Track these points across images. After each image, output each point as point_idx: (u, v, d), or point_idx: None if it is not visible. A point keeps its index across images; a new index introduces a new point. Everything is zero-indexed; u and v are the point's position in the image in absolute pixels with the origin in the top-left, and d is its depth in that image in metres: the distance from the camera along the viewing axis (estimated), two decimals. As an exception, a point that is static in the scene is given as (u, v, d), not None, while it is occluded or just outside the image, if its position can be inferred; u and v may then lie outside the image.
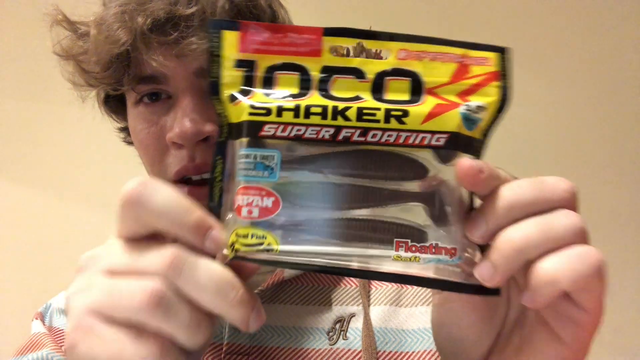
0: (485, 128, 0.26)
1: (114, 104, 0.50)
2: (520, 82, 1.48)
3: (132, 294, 0.22)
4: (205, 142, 0.41)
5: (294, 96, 0.24)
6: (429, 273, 0.24)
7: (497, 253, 0.23)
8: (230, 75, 0.25)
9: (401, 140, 0.24)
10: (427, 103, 0.25)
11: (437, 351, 0.42)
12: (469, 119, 0.25)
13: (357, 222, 0.24)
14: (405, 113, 0.24)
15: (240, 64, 0.25)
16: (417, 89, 0.25)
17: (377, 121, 0.24)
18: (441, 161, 0.24)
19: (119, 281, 0.23)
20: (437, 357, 0.42)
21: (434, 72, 0.25)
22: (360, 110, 0.24)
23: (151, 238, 0.24)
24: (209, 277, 0.23)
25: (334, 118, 0.24)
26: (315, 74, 0.25)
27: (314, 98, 0.24)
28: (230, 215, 0.24)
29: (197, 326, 0.23)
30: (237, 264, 0.24)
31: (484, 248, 0.25)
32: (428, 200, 0.24)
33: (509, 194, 0.24)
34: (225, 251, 0.24)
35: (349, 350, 0.42)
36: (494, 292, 0.24)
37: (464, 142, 0.25)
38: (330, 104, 0.24)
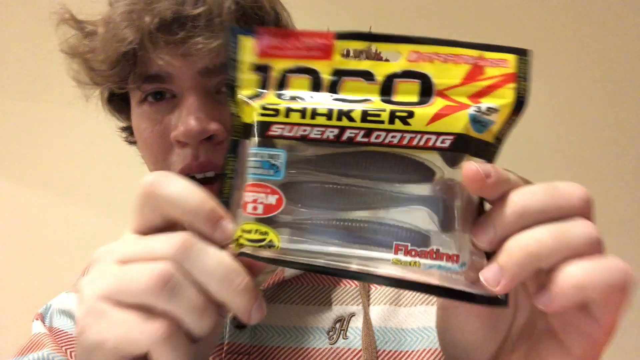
0: (498, 131, 0.24)
1: (118, 103, 0.50)
2: None
3: (141, 276, 0.23)
4: (209, 141, 0.41)
5: (303, 98, 0.25)
6: (432, 280, 0.23)
7: (507, 257, 0.22)
8: (245, 78, 0.26)
9: (405, 142, 0.23)
10: (435, 105, 0.24)
11: (436, 350, 0.42)
12: (478, 121, 0.24)
13: (357, 224, 0.24)
14: (411, 114, 0.24)
15: (256, 67, 0.26)
16: (427, 90, 0.25)
17: (382, 122, 0.24)
18: (449, 164, 0.23)
19: (129, 266, 0.24)
20: (436, 356, 0.42)
21: (445, 74, 0.25)
22: (365, 112, 0.24)
23: (163, 230, 0.25)
24: (217, 262, 0.23)
25: (339, 119, 0.24)
26: (326, 77, 0.25)
27: (322, 100, 0.25)
28: (237, 212, 0.25)
29: (203, 311, 0.23)
30: (244, 260, 0.24)
31: (490, 256, 0.23)
32: (433, 205, 0.23)
33: (520, 199, 0.23)
34: (232, 246, 0.24)
35: (349, 349, 0.43)
36: (500, 302, 0.23)
37: (473, 145, 0.23)
38: (336, 105, 0.24)
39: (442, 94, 0.24)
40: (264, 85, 0.26)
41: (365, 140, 0.24)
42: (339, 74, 0.25)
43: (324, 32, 0.26)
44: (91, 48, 0.43)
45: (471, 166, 0.23)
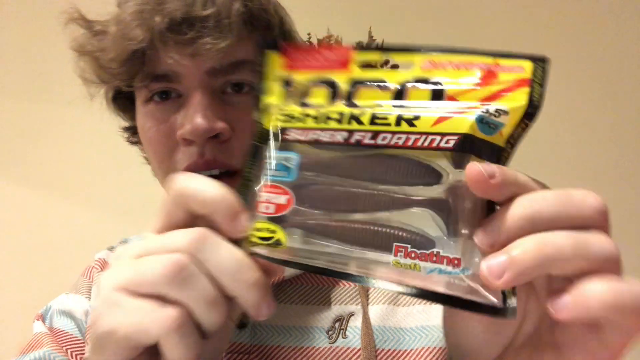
0: (509, 135, 0.23)
1: (123, 102, 0.51)
2: None
3: (156, 266, 0.24)
4: (215, 139, 0.42)
5: (320, 105, 0.26)
6: (432, 285, 0.22)
7: (519, 251, 0.21)
8: (270, 89, 0.28)
9: (410, 143, 0.23)
10: (444, 108, 0.24)
11: (434, 348, 0.43)
12: (485, 122, 0.23)
13: (361, 225, 0.24)
14: (417, 117, 0.24)
15: (279, 79, 0.28)
16: (438, 96, 0.24)
17: (388, 124, 0.24)
18: (455, 166, 0.23)
19: (145, 258, 0.25)
20: (434, 355, 0.42)
21: (457, 80, 0.24)
22: (373, 115, 0.25)
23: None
24: (229, 255, 0.24)
25: (349, 122, 0.25)
26: (343, 86, 0.26)
27: (337, 106, 0.26)
28: (252, 212, 0.26)
29: (214, 303, 0.24)
30: (258, 262, 0.25)
31: None
32: (437, 207, 0.23)
33: (529, 203, 0.22)
34: (244, 243, 0.25)
35: (348, 348, 0.43)
36: (503, 312, 0.22)
37: (479, 146, 0.23)
38: (348, 110, 0.25)
39: (452, 98, 0.24)
40: (286, 95, 0.28)
41: (372, 142, 0.24)
42: (355, 83, 0.26)
43: (344, 45, 0.27)
44: (101, 46, 0.44)
45: (474, 166, 0.22)
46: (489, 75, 0.24)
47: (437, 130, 0.23)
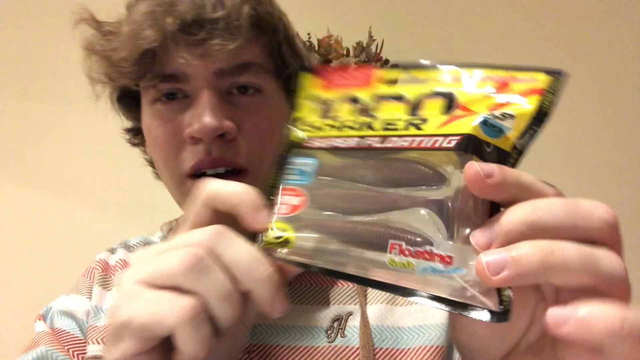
0: (515, 140, 0.23)
1: (128, 103, 0.51)
2: None
3: (173, 259, 0.25)
4: (221, 138, 0.43)
5: (342, 118, 0.28)
6: (427, 287, 0.22)
7: (524, 252, 0.20)
8: (301, 104, 0.30)
9: (414, 144, 0.24)
10: (452, 114, 0.24)
11: (431, 347, 0.43)
12: (490, 124, 0.23)
13: (361, 226, 0.24)
14: (425, 120, 0.25)
15: (311, 97, 0.30)
16: (451, 106, 0.25)
17: (397, 129, 0.25)
18: (458, 168, 0.23)
19: (165, 253, 0.26)
20: (431, 353, 0.43)
21: (470, 91, 0.25)
22: (384, 121, 0.26)
23: None
24: (245, 250, 0.25)
25: (363, 129, 0.27)
26: (366, 101, 0.28)
27: (356, 118, 0.28)
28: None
29: (229, 296, 0.24)
30: (275, 264, 0.26)
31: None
32: (438, 208, 0.23)
33: (531, 210, 0.21)
34: (260, 242, 0.26)
35: (347, 347, 0.43)
36: (498, 317, 0.21)
37: (482, 148, 0.23)
38: (363, 119, 0.27)
39: (464, 108, 0.25)
40: (314, 110, 0.29)
41: (381, 145, 0.25)
42: (377, 98, 0.28)
43: (369, 65, 0.29)
44: (113, 45, 0.44)
45: (471, 165, 0.21)
46: (502, 86, 0.24)
47: (441, 132, 0.24)
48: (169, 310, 0.24)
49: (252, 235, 0.27)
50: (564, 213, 0.21)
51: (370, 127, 0.26)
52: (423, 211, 0.23)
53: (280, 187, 0.28)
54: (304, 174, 0.27)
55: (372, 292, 0.47)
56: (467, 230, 0.22)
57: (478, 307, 0.21)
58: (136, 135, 0.54)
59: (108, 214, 1.22)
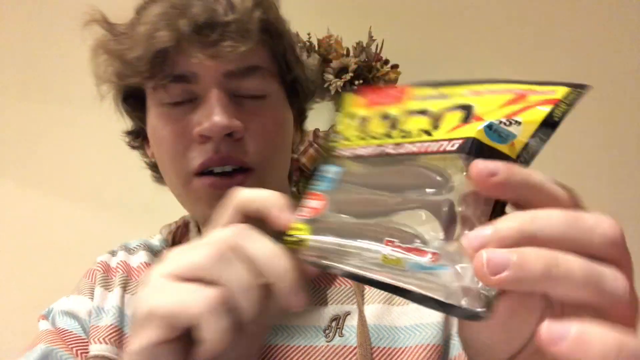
0: (522, 148, 0.23)
1: (133, 104, 0.52)
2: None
3: (200, 252, 0.26)
4: (229, 137, 0.44)
5: (372, 132, 0.30)
6: (414, 284, 0.22)
7: (528, 257, 0.19)
8: (342, 121, 0.32)
9: (422, 149, 0.25)
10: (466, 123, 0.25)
11: (427, 345, 0.43)
12: (495, 130, 0.23)
13: (367, 227, 0.25)
14: (437, 126, 0.26)
15: (351, 114, 0.32)
16: (468, 116, 0.25)
17: (411, 136, 0.26)
18: (462, 171, 0.23)
19: (191, 249, 0.27)
20: (428, 351, 0.43)
21: (487, 102, 0.25)
22: (402, 130, 0.27)
23: None
24: (267, 245, 0.27)
25: (383, 139, 0.28)
26: (395, 116, 0.29)
27: (384, 130, 0.29)
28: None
29: (251, 288, 0.25)
30: (296, 264, 0.27)
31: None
32: (434, 208, 0.23)
33: (529, 219, 0.20)
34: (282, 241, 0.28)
35: (344, 346, 0.44)
36: (476, 317, 0.21)
37: (484, 152, 0.22)
38: (388, 131, 0.28)
39: (479, 118, 0.25)
40: (352, 126, 0.31)
41: (394, 151, 0.27)
42: (406, 113, 0.29)
43: (403, 85, 0.31)
44: (127, 44, 0.46)
45: (476, 163, 0.21)
46: (519, 98, 0.24)
47: (447, 137, 0.24)
48: (194, 299, 0.25)
49: (276, 237, 0.28)
50: (564, 226, 0.20)
51: (389, 136, 0.28)
52: (422, 212, 0.23)
53: (307, 192, 0.29)
54: (328, 180, 0.29)
55: (369, 292, 0.48)
56: (464, 232, 0.22)
57: (457, 306, 0.21)
58: (136, 138, 0.55)
59: (109, 216, 1.23)
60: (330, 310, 0.46)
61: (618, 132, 1.34)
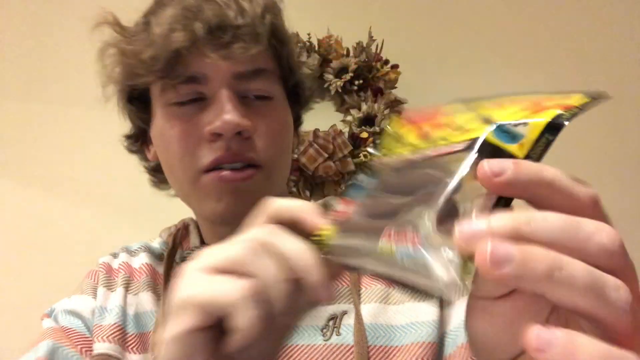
0: (529, 148, 0.23)
1: (137, 105, 0.53)
2: (520, 81, 1.47)
3: (234, 248, 0.28)
4: (239, 135, 0.46)
5: (405, 145, 0.32)
6: (401, 272, 0.23)
7: (533, 255, 0.19)
8: (386, 139, 0.33)
9: (437, 152, 0.26)
10: None
11: (423, 342, 0.44)
12: (504, 130, 0.23)
13: (377, 226, 0.26)
14: (455, 134, 0.27)
15: (394, 133, 0.33)
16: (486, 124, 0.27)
17: (432, 144, 0.28)
18: (470, 167, 0.23)
19: (225, 246, 0.28)
20: (423, 348, 0.44)
21: (505, 110, 0.26)
22: (427, 141, 0.29)
23: None
24: (297, 243, 0.28)
25: (411, 150, 0.30)
26: (426, 130, 0.31)
27: (414, 143, 0.31)
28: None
29: (281, 281, 0.27)
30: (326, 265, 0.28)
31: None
32: (434, 202, 0.24)
33: (524, 220, 0.20)
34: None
35: (342, 345, 0.45)
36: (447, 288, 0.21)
37: (492, 152, 0.23)
38: (417, 143, 0.30)
39: (493, 122, 0.26)
40: (393, 143, 0.33)
41: (414, 157, 0.28)
42: (434, 126, 0.30)
43: (437, 104, 0.32)
44: (141, 45, 0.47)
45: (481, 164, 0.21)
46: (535, 105, 0.25)
47: (460, 139, 0.25)
48: (229, 289, 0.26)
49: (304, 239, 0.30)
50: (559, 232, 0.19)
51: (416, 147, 0.29)
52: (423, 206, 0.24)
53: (341, 199, 0.31)
54: (360, 189, 0.30)
55: (365, 292, 0.49)
56: (459, 223, 0.22)
57: (438, 291, 0.21)
58: (135, 141, 0.56)
59: (109, 217, 1.22)
60: (328, 309, 0.47)
61: (618, 132, 1.34)
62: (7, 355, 1.06)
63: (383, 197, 0.29)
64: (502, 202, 0.23)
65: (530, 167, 0.21)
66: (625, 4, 1.36)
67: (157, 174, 0.57)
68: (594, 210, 0.21)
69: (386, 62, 1.31)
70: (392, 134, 0.33)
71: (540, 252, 0.19)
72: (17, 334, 1.08)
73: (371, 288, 0.49)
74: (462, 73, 1.35)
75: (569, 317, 0.22)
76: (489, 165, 0.21)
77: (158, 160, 0.54)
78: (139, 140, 0.56)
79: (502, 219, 0.20)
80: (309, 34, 1.28)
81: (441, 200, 0.23)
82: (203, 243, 0.55)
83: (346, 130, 1.29)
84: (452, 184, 0.23)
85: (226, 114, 0.45)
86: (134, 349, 0.49)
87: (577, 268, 0.19)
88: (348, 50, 1.30)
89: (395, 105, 1.32)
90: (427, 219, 0.23)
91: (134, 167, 0.60)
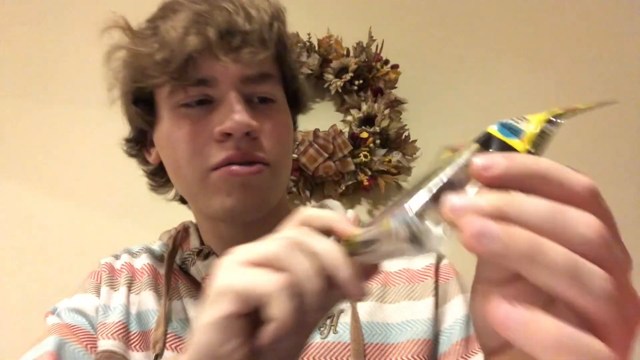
0: (530, 143, 0.23)
1: (142, 107, 0.54)
2: (520, 80, 1.46)
3: (270, 244, 0.29)
4: (247, 136, 0.48)
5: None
6: (391, 244, 0.25)
7: (516, 236, 0.19)
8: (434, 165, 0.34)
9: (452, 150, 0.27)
10: None
11: (418, 340, 0.45)
12: (507, 126, 0.25)
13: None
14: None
15: (439, 159, 0.34)
16: None
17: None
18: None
19: (260, 243, 0.30)
20: (418, 346, 0.45)
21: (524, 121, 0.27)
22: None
23: None
24: (326, 241, 0.29)
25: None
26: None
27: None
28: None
29: (314, 277, 0.28)
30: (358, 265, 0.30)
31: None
32: (433, 184, 0.24)
33: (511, 201, 0.20)
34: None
35: (339, 342, 0.46)
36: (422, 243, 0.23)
37: (493, 144, 0.24)
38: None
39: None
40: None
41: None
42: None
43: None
44: (154, 48, 0.48)
45: (474, 157, 0.22)
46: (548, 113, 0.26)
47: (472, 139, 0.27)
48: (266, 279, 0.27)
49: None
50: (544, 216, 0.20)
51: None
52: (422, 189, 0.25)
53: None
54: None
55: None
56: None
57: (420, 249, 0.24)
58: (135, 145, 0.57)
59: (110, 218, 1.22)
60: None
61: (618, 132, 1.34)
62: (7, 355, 1.06)
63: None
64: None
65: (522, 160, 0.21)
66: (629, 4, 1.36)
67: (155, 177, 0.58)
68: (590, 201, 0.20)
69: (386, 62, 1.32)
70: (438, 160, 0.34)
71: (523, 233, 0.19)
72: (17, 334, 1.09)
73: (367, 287, 0.50)
74: (462, 73, 1.36)
75: (564, 313, 0.22)
76: (480, 159, 0.21)
77: (159, 163, 0.55)
78: (138, 144, 0.57)
79: (490, 198, 0.20)
80: (309, 34, 1.29)
81: (436, 180, 0.24)
82: (203, 245, 0.56)
83: (346, 130, 1.30)
84: (452, 169, 0.24)
85: (236, 114, 0.46)
86: (137, 346, 0.50)
87: (558, 252, 0.19)
88: (348, 50, 1.31)
89: (395, 105, 1.32)
90: (420, 195, 0.24)
91: (133, 170, 0.61)
